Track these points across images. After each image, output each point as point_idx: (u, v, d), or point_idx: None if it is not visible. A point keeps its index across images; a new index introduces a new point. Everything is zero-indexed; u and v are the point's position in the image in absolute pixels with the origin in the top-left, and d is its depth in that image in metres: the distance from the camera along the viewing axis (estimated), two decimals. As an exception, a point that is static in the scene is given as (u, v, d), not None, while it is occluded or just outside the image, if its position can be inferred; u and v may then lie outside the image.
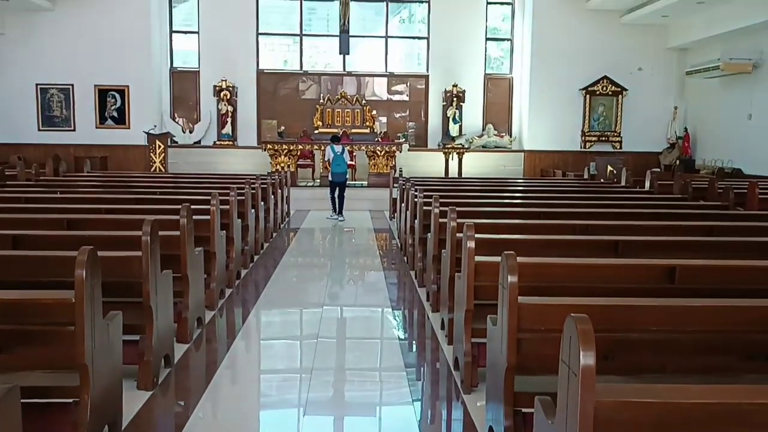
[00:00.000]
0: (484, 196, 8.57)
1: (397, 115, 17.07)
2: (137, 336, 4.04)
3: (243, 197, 7.78)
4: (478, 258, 4.13)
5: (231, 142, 16.09)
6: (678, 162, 15.20)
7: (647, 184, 10.24)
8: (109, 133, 15.40)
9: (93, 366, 3.12)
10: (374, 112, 16.25)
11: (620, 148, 16.01)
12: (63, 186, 9.10)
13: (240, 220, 7.34)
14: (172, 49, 16.52)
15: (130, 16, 15.01)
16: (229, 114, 16.04)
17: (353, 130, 15.56)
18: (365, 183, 14.33)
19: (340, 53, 15.88)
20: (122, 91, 15.39)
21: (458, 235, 4.66)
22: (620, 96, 15.93)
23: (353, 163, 14.46)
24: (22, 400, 2.44)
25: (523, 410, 3.19)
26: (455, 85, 16.17)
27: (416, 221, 7.43)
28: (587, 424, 2.06)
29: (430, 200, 6.39)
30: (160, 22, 15.90)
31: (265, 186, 9.57)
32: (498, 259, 3.42)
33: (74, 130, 15.43)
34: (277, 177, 11.04)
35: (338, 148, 11.71)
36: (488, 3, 16.66)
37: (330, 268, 8.44)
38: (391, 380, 4.65)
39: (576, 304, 3.02)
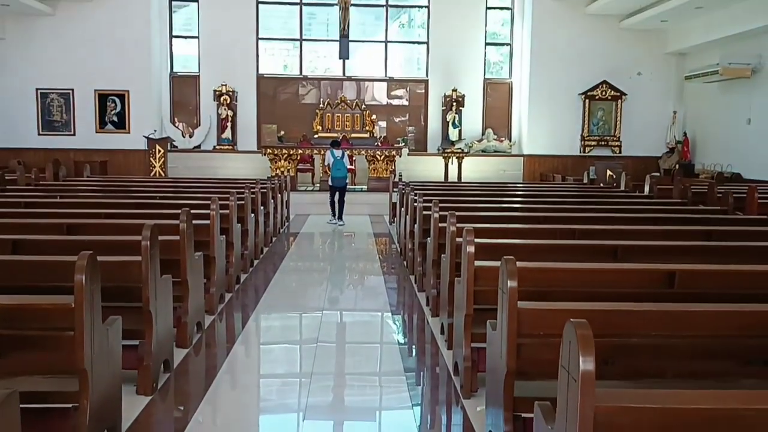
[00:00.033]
0: (483, 201, 8.57)
1: (397, 120, 17.08)
2: (137, 341, 4.04)
3: (243, 202, 7.79)
4: (477, 263, 4.13)
5: (231, 147, 16.09)
6: (677, 166, 15.21)
7: (647, 189, 10.25)
8: (109, 138, 15.40)
9: (92, 371, 3.11)
10: (374, 116, 16.27)
11: (619, 152, 16.03)
12: (63, 191, 9.10)
13: (240, 224, 7.34)
14: (172, 53, 16.54)
15: (131, 21, 15.04)
16: (229, 118, 16.04)
17: (353, 135, 15.57)
18: (365, 187, 14.33)
19: (339, 58, 15.90)
20: (122, 96, 15.40)
21: (458, 239, 4.67)
22: (619, 100, 15.95)
23: (353, 167, 14.47)
24: (22, 405, 2.44)
25: (523, 415, 3.19)
26: (455, 90, 16.19)
27: (416, 226, 7.43)
28: (587, 429, 2.06)
29: (430, 205, 6.40)
30: (160, 27, 15.92)
31: (265, 190, 9.57)
32: (497, 263, 3.43)
33: (74, 134, 15.44)
34: (276, 181, 11.04)
35: (338, 152, 11.73)
36: (488, 8, 16.69)
37: (330, 273, 8.43)
38: (391, 385, 4.65)
39: (575, 309, 3.02)
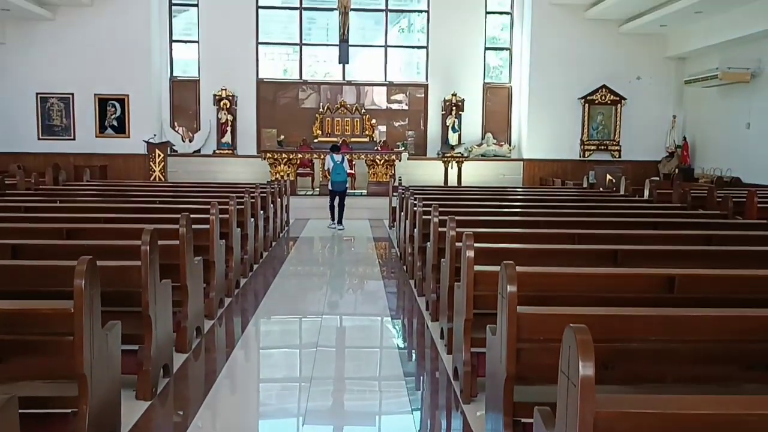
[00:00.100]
0: (483, 205, 8.57)
1: (397, 124, 17.10)
2: (136, 345, 4.03)
3: (242, 206, 7.79)
4: (477, 267, 4.13)
5: (230, 151, 16.11)
6: (677, 171, 15.22)
7: (646, 193, 10.26)
8: (109, 142, 15.42)
9: (92, 376, 3.11)
10: (374, 121, 16.28)
11: (619, 156, 16.04)
12: (62, 195, 9.10)
13: (239, 229, 7.34)
14: (172, 58, 16.57)
15: (131, 26, 15.07)
16: (229, 123, 16.07)
17: (353, 139, 15.59)
18: (365, 192, 14.33)
19: (339, 62, 15.93)
20: (122, 100, 15.42)
21: (457, 244, 4.66)
22: (619, 105, 15.97)
23: (353, 171, 14.48)
24: (21, 411, 2.43)
25: (523, 420, 3.19)
26: (454, 94, 16.22)
27: (415, 230, 7.43)
28: (587, 434, 2.05)
29: (430, 209, 6.40)
30: (160, 32, 15.95)
31: (265, 195, 9.58)
32: (497, 268, 3.42)
33: (74, 139, 15.46)
34: (276, 186, 11.05)
35: (338, 157, 11.73)
36: (487, 12, 16.73)
37: (329, 277, 8.43)
38: (391, 389, 4.64)
39: (575, 314, 3.02)
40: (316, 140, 15.69)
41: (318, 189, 14.29)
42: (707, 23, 13.56)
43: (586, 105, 15.94)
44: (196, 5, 16.24)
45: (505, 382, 3.17)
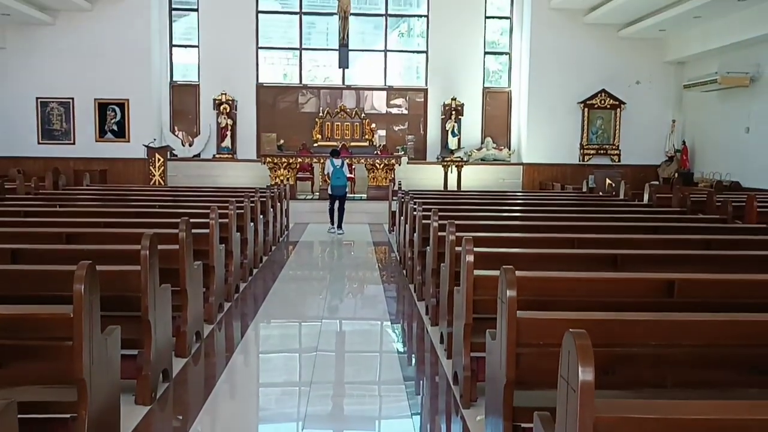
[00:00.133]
0: (482, 210, 8.58)
1: (396, 129, 17.12)
2: (136, 350, 4.03)
3: (242, 210, 7.79)
4: (477, 272, 4.13)
5: (230, 156, 16.11)
6: (676, 175, 15.23)
7: (646, 197, 10.26)
8: (109, 147, 15.42)
9: (91, 381, 3.11)
10: (373, 125, 16.31)
11: (619, 161, 16.05)
12: (62, 199, 9.10)
13: (239, 233, 7.34)
14: (172, 62, 16.58)
15: (131, 30, 15.08)
16: (229, 127, 16.07)
17: (352, 144, 15.60)
18: (364, 196, 14.34)
19: (339, 67, 15.95)
20: (122, 105, 15.43)
21: (457, 248, 4.66)
22: (618, 109, 15.98)
23: (353, 176, 14.48)
24: (20, 416, 2.43)
25: (523, 425, 3.18)
26: (454, 99, 16.23)
27: (415, 234, 7.43)
28: (587, 439, 2.05)
29: (429, 213, 6.40)
30: (160, 36, 15.97)
31: (264, 199, 9.58)
32: (497, 272, 3.42)
33: (74, 143, 15.45)
34: (276, 190, 11.04)
35: (338, 161, 11.74)
36: (486, 17, 16.75)
37: (329, 282, 8.43)
38: (390, 394, 4.64)
39: (575, 319, 3.02)
40: (315, 144, 15.71)
41: (318, 193, 14.29)
42: (706, 28, 13.59)
43: (586, 109, 15.95)
44: (196, 10, 16.27)
45: (504, 387, 3.16)
